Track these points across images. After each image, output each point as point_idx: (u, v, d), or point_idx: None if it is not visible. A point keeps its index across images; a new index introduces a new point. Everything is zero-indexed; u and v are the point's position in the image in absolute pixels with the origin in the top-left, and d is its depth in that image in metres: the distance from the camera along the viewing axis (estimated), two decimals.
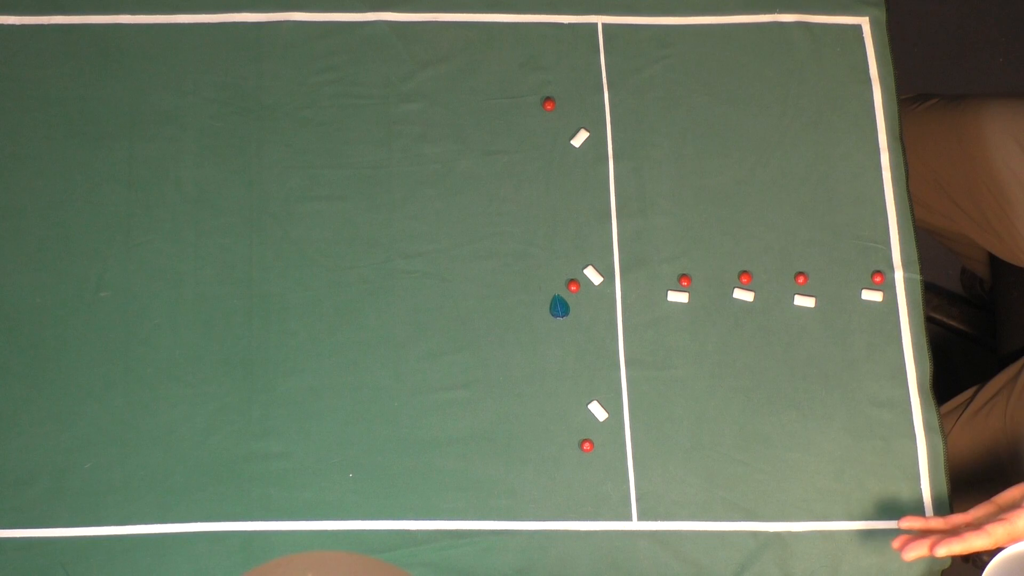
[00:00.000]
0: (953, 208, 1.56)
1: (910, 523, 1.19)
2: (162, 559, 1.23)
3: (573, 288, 1.32)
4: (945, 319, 1.92)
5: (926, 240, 1.37)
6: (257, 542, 1.24)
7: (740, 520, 1.26)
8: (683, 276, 1.32)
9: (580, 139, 1.36)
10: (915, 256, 1.34)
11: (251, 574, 1.07)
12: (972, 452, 1.41)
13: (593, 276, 1.32)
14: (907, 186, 1.36)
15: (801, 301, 1.32)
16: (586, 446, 1.27)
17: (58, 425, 1.26)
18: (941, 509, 1.28)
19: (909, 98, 1.60)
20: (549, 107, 1.37)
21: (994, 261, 1.64)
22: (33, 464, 1.25)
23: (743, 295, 1.32)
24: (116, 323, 1.28)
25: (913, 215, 1.35)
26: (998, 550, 1.14)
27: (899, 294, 1.33)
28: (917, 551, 1.13)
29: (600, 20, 1.40)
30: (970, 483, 1.45)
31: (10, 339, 1.28)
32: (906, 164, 1.36)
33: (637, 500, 1.27)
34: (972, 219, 1.54)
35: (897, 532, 1.25)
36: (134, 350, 1.28)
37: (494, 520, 1.25)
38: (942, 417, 1.30)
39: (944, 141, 1.53)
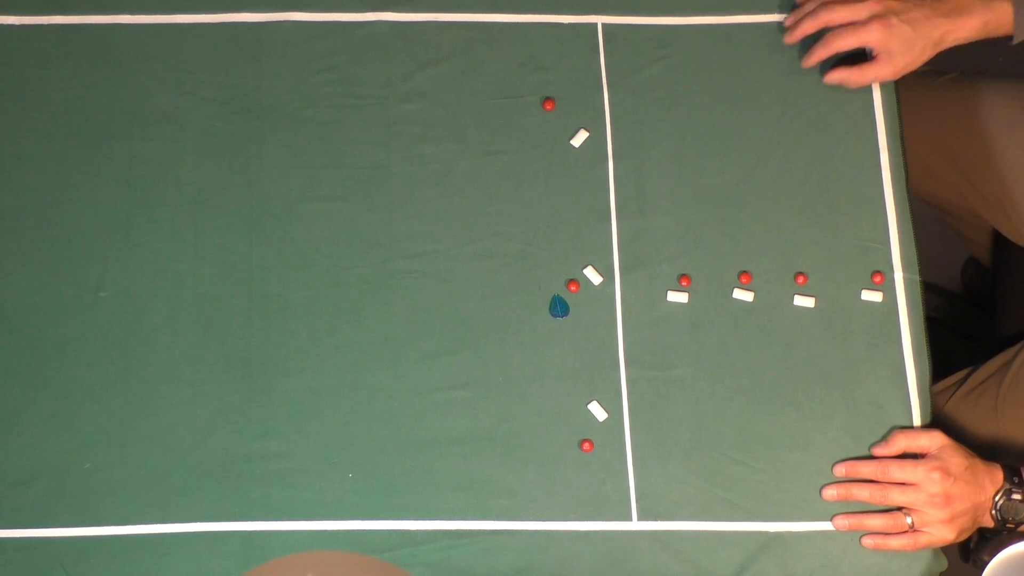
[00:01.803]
0: (962, 181, 1.55)
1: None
2: (162, 559, 1.23)
3: (573, 288, 1.31)
4: (945, 319, 1.92)
5: (926, 240, 1.37)
6: (257, 542, 1.24)
7: (740, 520, 1.26)
8: (683, 276, 1.32)
9: (580, 139, 1.36)
10: (915, 256, 1.34)
11: (251, 574, 1.08)
12: (962, 433, 1.41)
13: (593, 276, 1.32)
14: (907, 186, 1.36)
15: (801, 301, 1.32)
16: (586, 446, 1.27)
17: (58, 425, 1.26)
18: None
19: (928, 71, 1.59)
20: (549, 107, 1.37)
21: (997, 243, 1.64)
22: (33, 464, 1.25)
23: (743, 295, 1.32)
24: (116, 323, 1.28)
25: (913, 216, 1.35)
26: (997, 550, 1.14)
27: (899, 294, 1.33)
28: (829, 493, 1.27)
29: (600, 20, 1.40)
30: None
31: (10, 339, 1.28)
32: (906, 165, 1.36)
33: (637, 500, 1.26)
34: (980, 194, 1.54)
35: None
36: (134, 350, 1.28)
37: (494, 520, 1.25)
38: (934, 396, 1.30)
39: (960, 115, 1.53)
